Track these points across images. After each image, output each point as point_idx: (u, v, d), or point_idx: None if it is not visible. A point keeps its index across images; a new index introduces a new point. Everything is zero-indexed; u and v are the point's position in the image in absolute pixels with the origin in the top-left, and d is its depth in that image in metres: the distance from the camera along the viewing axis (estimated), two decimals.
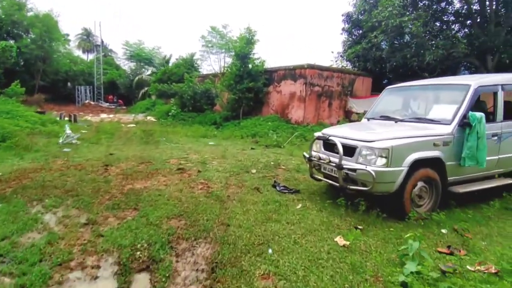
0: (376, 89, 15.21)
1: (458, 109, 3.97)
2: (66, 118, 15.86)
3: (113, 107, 29.64)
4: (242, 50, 13.94)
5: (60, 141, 8.05)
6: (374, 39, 13.76)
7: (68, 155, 6.74)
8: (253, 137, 11.23)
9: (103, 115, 21.32)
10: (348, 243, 3.01)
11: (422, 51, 12.44)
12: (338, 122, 13.47)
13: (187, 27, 68.27)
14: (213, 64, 29.04)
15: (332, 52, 18.11)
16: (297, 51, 57.55)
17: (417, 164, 3.65)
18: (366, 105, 13.29)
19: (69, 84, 31.15)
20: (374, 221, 3.61)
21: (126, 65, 36.83)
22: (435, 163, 3.82)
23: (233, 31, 27.06)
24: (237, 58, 14.35)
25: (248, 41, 14.12)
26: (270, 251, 2.90)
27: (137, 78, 30.66)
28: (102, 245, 2.94)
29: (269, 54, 30.27)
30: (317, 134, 4.69)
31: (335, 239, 3.16)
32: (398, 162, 3.55)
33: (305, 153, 4.78)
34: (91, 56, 41.18)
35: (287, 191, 4.80)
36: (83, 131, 11.11)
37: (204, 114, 16.35)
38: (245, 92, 13.77)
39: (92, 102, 30.73)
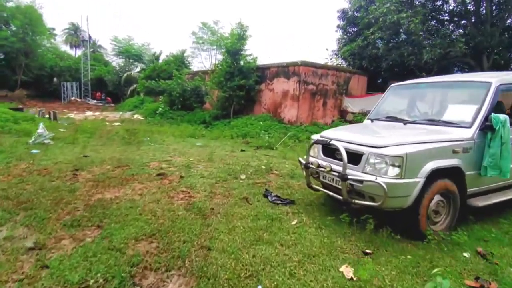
0: (371, 88, 14.78)
1: (479, 110, 3.43)
2: (46, 116, 14.94)
3: (100, 104, 28.62)
4: (233, 46, 13.28)
5: (31, 141, 7.28)
6: (371, 36, 13.28)
7: (35, 158, 5.99)
8: (244, 137, 10.61)
9: (89, 113, 20.39)
10: (356, 278, 2.42)
11: (419, 50, 12.03)
12: (333, 122, 12.97)
13: (179, 23, 66.86)
14: (204, 61, 28.36)
15: (327, 49, 17.57)
16: (291, 49, 56.95)
17: (434, 175, 3.09)
18: (361, 104, 12.82)
19: (55, 79, 29.87)
20: (385, 243, 3.04)
21: (115, 61, 35.74)
22: (453, 173, 3.27)
23: (224, 28, 26.38)
24: (228, 55, 13.69)
25: (240, 36, 13.47)
26: None
27: (125, 74, 29.63)
28: (43, 282, 2.28)
29: (262, 52, 29.63)
30: (315, 137, 4.10)
31: (340, 269, 2.57)
32: (414, 172, 2.98)
33: (301, 159, 4.18)
34: (79, 52, 39.82)
35: (280, 201, 4.20)
36: (61, 130, 10.30)
37: (194, 112, 15.66)
38: (236, 89, 13.13)
39: (78, 99, 29.57)
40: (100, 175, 5.07)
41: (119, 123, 14.36)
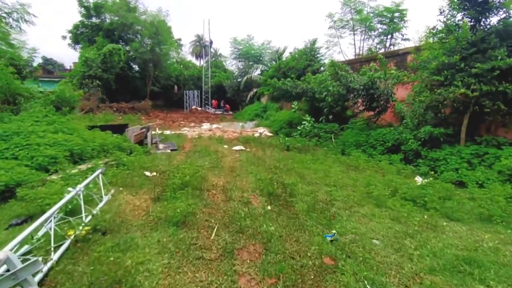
0: None
1: None
2: (154, 132, 11.21)
3: (219, 113, 25.89)
4: None
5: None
6: None
7: None
8: None
9: (205, 126, 16.57)
10: None
11: None
12: None
13: (303, 15, 60.60)
14: (345, 50, 21.45)
15: None
16: None
17: None
18: None
19: (175, 87, 29.08)
20: None
21: (234, 65, 33.14)
22: None
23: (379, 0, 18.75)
24: (461, 8, 6.36)
25: None
26: None
27: (245, 78, 25.88)
28: None
29: None
30: None
31: None
32: None
33: None
34: (203, 61, 39.80)
35: None
36: (148, 174, 5.40)
37: (353, 127, 8.84)
38: (490, 80, 5.65)
39: (199, 108, 27.81)
40: None
41: (242, 147, 9.10)
